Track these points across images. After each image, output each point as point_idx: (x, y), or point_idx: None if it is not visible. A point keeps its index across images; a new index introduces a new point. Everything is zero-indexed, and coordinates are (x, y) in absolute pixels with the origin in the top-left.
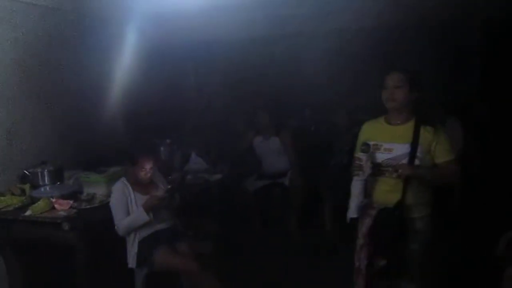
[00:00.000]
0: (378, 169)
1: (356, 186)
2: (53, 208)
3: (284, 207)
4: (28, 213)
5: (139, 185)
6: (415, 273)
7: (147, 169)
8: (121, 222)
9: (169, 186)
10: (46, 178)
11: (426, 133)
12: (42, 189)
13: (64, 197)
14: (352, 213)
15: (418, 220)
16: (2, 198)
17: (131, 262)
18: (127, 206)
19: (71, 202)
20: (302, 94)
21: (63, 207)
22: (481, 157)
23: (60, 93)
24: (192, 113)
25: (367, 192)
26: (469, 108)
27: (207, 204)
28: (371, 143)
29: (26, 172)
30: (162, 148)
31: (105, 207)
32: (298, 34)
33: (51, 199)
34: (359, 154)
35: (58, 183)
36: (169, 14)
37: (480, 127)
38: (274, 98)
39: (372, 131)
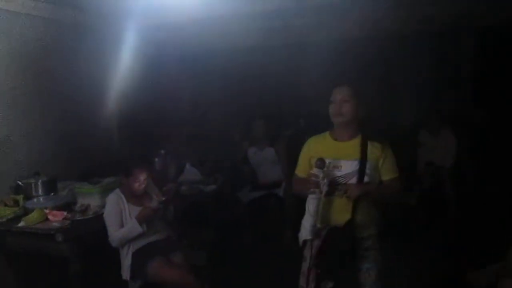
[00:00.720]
0: (328, 187)
1: (312, 204)
2: (47, 219)
3: (279, 217)
4: (21, 224)
5: (133, 197)
6: None
7: (141, 180)
8: (115, 234)
9: (163, 198)
10: (39, 189)
11: (373, 149)
12: (36, 200)
13: (57, 208)
14: (306, 234)
15: (366, 239)
16: None
17: (125, 273)
18: (121, 217)
19: (64, 213)
20: (297, 104)
21: (56, 218)
22: (475, 166)
23: (54, 104)
24: (187, 123)
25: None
26: (463, 117)
27: (201, 214)
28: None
29: (19, 182)
30: (156, 159)
31: (99, 218)
32: (294, 44)
33: (45, 210)
34: (314, 170)
35: (52, 194)
36: (165, 25)
37: (474, 136)
38: (269, 108)
39: (318, 148)
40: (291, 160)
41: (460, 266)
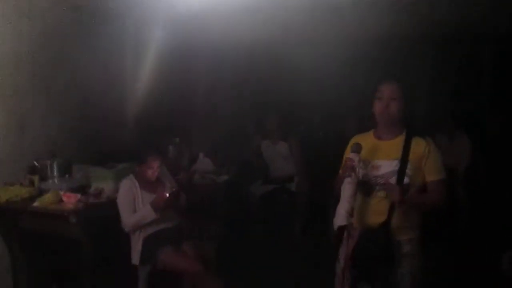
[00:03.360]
0: (364, 188)
1: (348, 189)
2: (61, 201)
3: (290, 212)
4: (36, 204)
5: (147, 183)
6: None
7: (154, 168)
8: (128, 219)
9: (175, 187)
10: (55, 171)
11: (416, 148)
12: (51, 181)
13: (72, 190)
14: (341, 220)
15: (405, 243)
16: (10, 188)
17: (135, 258)
18: (134, 203)
19: (79, 195)
20: (312, 101)
21: (70, 200)
22: (489, 171)
23: (72, 87)
24: (202, 113)
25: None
26: (478, 121)
27: (213, 205)
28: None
29: (35, 163)
30: (170, 147)
31: (113, 202)
32: (311, 41)
33: (60, 192)
34: (350, 154)
35: (67, 176)
36: (181, 17)
37: (489, 141)
38: (284, 102)
39: None
40: (304, 155)
41: (474, 268)
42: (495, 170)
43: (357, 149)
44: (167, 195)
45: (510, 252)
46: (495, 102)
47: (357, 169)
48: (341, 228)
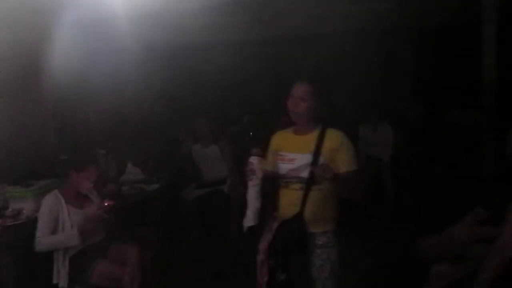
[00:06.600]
0: (282, 181)
1: (251, 192)
2: None
3: (225, 214)
4: None
5: (74, 198)
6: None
7: (91, 178)
8: (45, 239)
9: (105, 203)
10: None
11: (330, 142)
12: None
13: None
14: (248, 221)
15: (321, 235)
16: None
17: (62, 281)
18: (56, 220)
19: None
20: (242, 101)
21: None
22: (412, 161)
23: None
24: (130, 121)
25: (274, 205)
26: (400, 112)
27: (145, 214)
28: (281, 153)
29: None
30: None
31: (32, 222)
32: (238, 41)
33: None
34: (251, 158)
35: None
36: (111, 20)
37: (411, 131)
38: (214, 105)
39: (279, 141)
40: (236, 156)
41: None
42: (417, 158)
43: (257, 152)
44: (95, 217)
45: (421, 238)
46: (415, 93)
47: (256, 172)
48: (250, 228)
